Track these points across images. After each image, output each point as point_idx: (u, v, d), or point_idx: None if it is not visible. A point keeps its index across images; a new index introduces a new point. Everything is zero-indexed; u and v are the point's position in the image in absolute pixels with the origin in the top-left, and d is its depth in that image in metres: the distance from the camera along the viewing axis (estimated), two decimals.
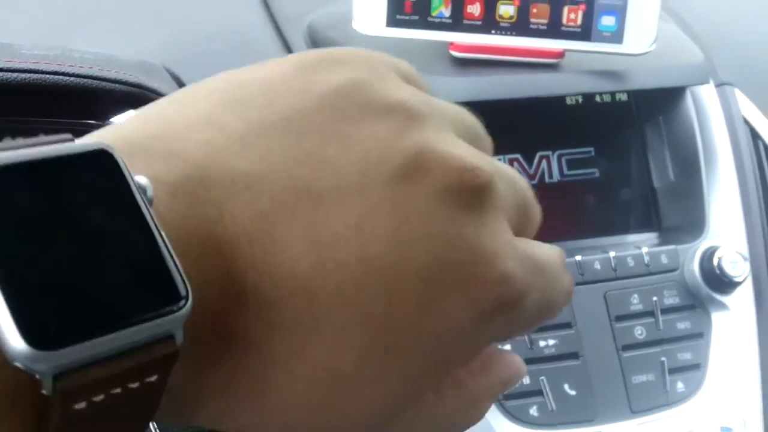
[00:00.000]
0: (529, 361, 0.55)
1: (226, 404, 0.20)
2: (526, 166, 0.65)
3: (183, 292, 0.17)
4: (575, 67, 0.62)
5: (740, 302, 0.61)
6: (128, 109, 0.48)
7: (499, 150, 0.25)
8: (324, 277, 0.19)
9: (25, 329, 0.15)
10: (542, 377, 0.57)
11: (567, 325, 0.58)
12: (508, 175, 0.23)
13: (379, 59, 0.23)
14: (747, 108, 0.67)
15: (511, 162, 0.64)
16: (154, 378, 0.17)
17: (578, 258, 0.60)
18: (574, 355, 0.58)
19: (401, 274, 0.20)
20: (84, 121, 0.48)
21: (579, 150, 0.66)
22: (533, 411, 0.56)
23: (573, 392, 0.57)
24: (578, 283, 0.59)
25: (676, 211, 0.66)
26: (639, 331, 0.59)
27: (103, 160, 0.17)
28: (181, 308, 0.17)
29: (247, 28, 0.64)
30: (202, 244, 0.18)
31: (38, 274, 0.16)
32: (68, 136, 0.18)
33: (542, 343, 0.58)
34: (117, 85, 0.50)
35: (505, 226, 0.22)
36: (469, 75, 0.61)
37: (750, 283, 0.62)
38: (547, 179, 0.65)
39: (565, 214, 0.65)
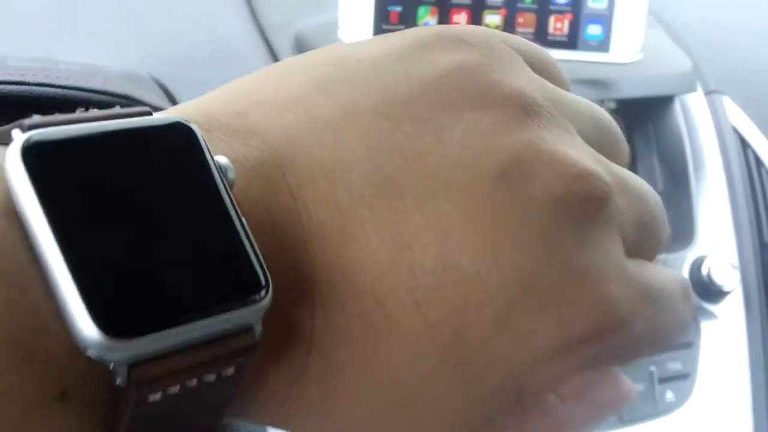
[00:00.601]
0: None
1: (286, 407, 0.18)
2: None
3: (263, 282, 0.16)
4: None
5: (730, 311, 0.61)
6: None
7: None
8: (396, 282, 0.17)
9: (98, 315, 0.14)
10: None
11: None
12: (634, 187, 0.20)
13: (506, 41, 0.21)
14: (736, 116, 0.67)
15: None
16: (230, 371, 0.16)
17: None
18: None
19: (482, 287, 0.17)
20: None
21: None
22: None
23: None
24: None
25: None
26: None
27: (182, 136, 0.16)
28: (261, 299, 0.16)
29: (233, 37, 0.64)
30: (274, 232, 0.17)
31: (111, 254, 0.14)
32: (146, 109, 0.17)
33: None
34: (103, 96, 0.50)
35: (615, 245, 0.19)
36: None
37: (740, 293, 0.61)
38: None
39: None
